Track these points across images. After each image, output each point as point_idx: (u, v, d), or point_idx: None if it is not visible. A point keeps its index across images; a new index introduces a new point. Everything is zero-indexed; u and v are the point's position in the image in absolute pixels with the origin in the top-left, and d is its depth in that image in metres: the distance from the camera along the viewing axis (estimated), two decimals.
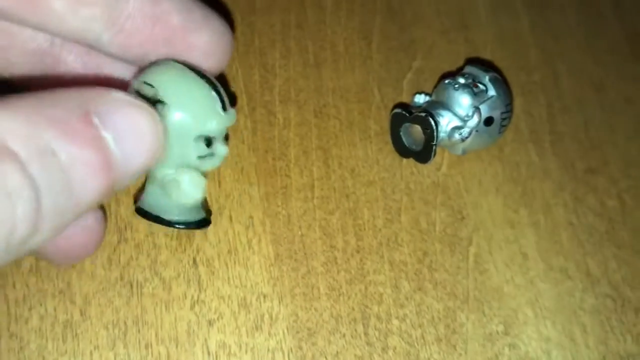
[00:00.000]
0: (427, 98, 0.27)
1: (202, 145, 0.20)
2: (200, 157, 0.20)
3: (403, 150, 0.27)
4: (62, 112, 0.14)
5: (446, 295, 0.25)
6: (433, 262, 0.25)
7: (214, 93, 0.19)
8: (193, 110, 0.19)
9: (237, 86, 0.27)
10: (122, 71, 0.21)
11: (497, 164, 0.28)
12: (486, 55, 0.31)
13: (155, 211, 0.22)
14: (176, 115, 0.19)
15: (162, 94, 0.19)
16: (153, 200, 0.22)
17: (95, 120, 0.15)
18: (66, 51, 0.20)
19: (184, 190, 0.20)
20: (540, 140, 0.29)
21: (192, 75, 0.19)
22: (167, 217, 0.22)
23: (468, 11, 0.32)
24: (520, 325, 0.25)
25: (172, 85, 0.19)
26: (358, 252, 0.25)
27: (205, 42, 0.20)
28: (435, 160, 0.27)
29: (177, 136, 0.19)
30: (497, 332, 0.24)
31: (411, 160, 0.27)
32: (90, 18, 0.18)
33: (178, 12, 0.19)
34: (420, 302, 0.24)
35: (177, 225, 0.22)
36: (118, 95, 0.16)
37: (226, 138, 0.21)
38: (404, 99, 0.29)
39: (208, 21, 0.20)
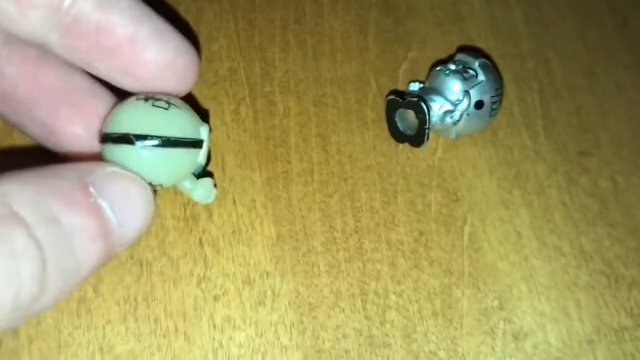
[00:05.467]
0: (422, 86, 0.28)
1: None
2: None
3: (399, 136, 0.28)
4: (64, 183, 0.16)
5: (442, 273, 0.25)
6: (429, 241, 0.26)
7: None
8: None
9: (239, 79, 0.29)
10: (56, 82, 0.20)
11: (490, 148, 0.29)
12: (480, 45, 0.32)
13: None
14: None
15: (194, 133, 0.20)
16: None
17: (93, 191, 0.16)
18: (6, 63, 0.20)
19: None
20: (533, 125, 0.30)
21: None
22: None
23: (462, 4, 0.33)
24: (515, 301, 0.25)
25: (181, 125, 0.20)
26: (356, 232, 0.26)
27: (155, 59, 0.19)
28: (431, 145, 0.28)
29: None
30: (493, 307, 0.25)
31: (407, 146, 0.28)
32: (37, 20, 0.18)
33: (124, 24, 0.18)
34: (417, 279, 0.25)
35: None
36: (111, 168, 0.17)
37: None
38: (400, 88, 0.30)
39: (160, 36, 0.19)
